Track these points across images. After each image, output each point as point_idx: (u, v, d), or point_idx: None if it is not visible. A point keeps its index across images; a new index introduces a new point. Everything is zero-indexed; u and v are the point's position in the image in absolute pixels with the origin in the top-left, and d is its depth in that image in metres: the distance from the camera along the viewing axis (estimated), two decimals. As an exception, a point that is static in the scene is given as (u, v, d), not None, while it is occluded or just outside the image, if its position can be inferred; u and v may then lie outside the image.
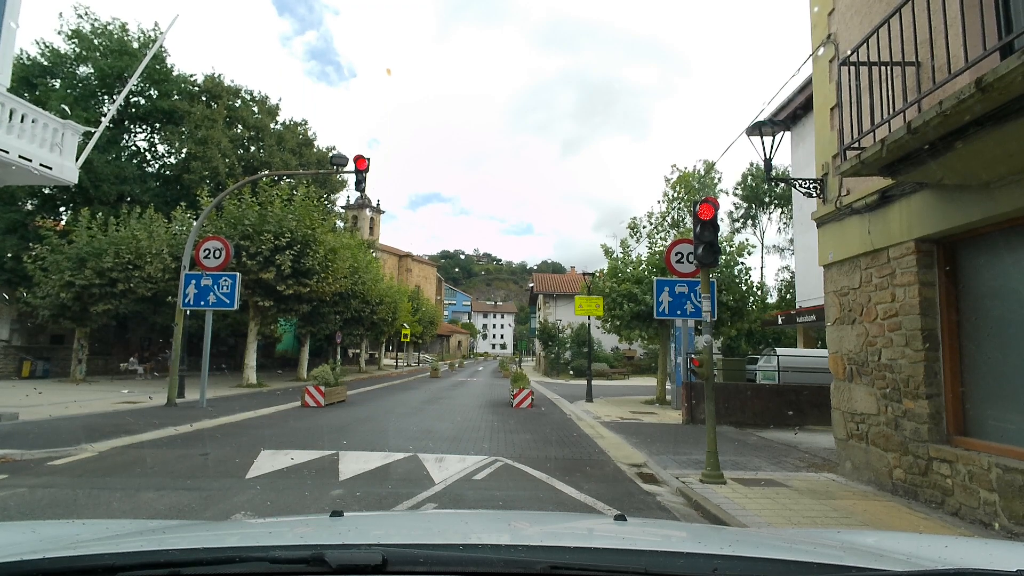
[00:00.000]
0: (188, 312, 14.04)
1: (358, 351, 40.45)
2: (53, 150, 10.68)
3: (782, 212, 44.05)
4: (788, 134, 15.63)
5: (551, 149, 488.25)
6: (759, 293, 18.38)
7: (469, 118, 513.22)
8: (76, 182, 11.69)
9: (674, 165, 18.84)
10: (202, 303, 13.55)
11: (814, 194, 7.57)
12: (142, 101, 27.29)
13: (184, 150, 27.51)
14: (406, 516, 3.43)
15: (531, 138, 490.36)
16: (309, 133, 33.06)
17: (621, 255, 18.88)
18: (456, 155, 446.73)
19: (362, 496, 5.76)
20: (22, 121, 10.11)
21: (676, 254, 9.49)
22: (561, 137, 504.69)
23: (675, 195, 18.19)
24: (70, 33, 25.23)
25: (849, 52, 5.69)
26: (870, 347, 6.52)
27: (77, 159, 11.50)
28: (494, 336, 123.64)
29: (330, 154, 20.25)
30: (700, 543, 1.53)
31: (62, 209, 25.13)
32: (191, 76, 28.72)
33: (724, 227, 43.54)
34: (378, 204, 66.78)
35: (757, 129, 7.43)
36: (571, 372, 34.47)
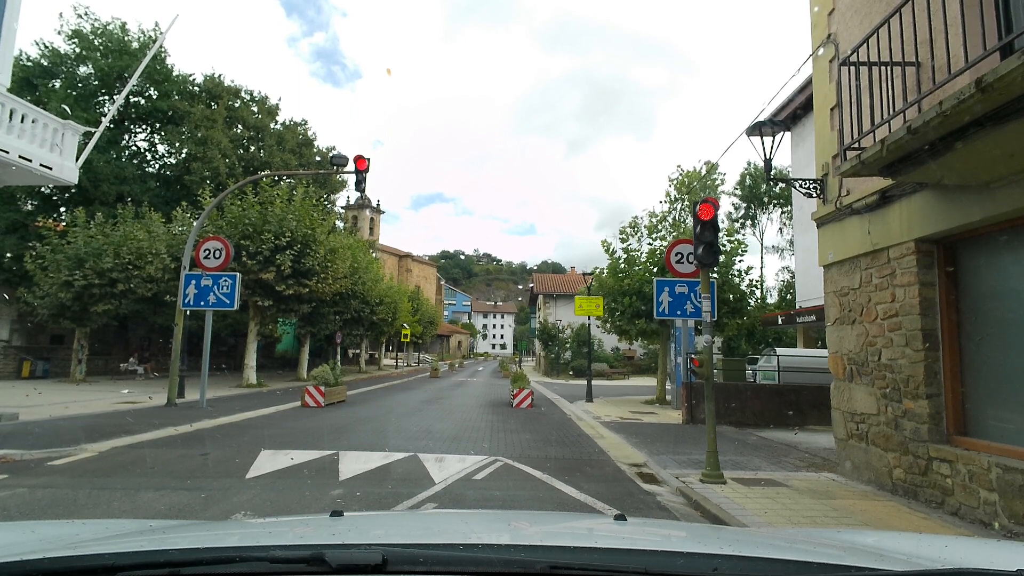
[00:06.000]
0: (188, 312, 14.04)
1: (358, 351, 40.43)
2: (53, 150, 10.69)
3: (782, 212, 44.05)
4: (788, 134, 15.62)
5: (555, 149, 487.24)
6: (757, 292, 18.40)
7: (473, 119, 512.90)
8: (76, 182, 11.70)
9: (679, 165, 18.93)
10: (202, 303, 13.55)
11: (814, 194, 7.57)
12: (142, 101, 27.30)
13: (184, 150, 27.52)
14: (406, 516, 3.43)
15: (535, 138, 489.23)
16: (309, 133, 33.08)
17: (622, 252, 18.81)
18: (459, 156, 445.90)
19: (362, 496, 5.76)
20: (22, 121, 10.12)
21: (676, 254, 9.48)
22: (565, 137, 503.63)
23: (677, 195, 18.20)
24: (70, 33, 25.23)
25: (849, 52, 5.69)
26: (870, 347, 6.52)
27: (77, 159, 11.51)
28: (494, 336, 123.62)
29: (330, 154, 20.25)
30: (700, 543, 1.53)
31: (62, 209, 25.14)
32: (191, 76, 28.76)
33: (724, 227, 43.45)
34: (378, 204, 66.80)
35: (757, 129, 7.42)
36: (571, 372, 34.47)
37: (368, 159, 13.36)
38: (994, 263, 5.35)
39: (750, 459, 8.16)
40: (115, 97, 23.38)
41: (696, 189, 17.92)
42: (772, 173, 7.81)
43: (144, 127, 28.61)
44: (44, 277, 19.49)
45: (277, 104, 31.71)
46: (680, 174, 20.01)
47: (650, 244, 18.14)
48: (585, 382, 19.05)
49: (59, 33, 25.59)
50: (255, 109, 30.85)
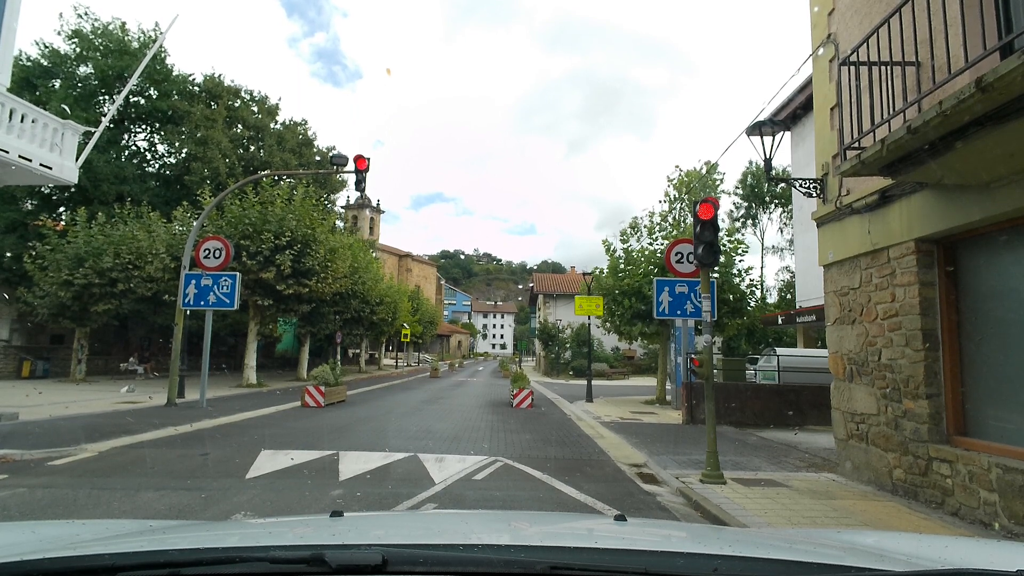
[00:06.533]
0: (188, 312, 14.04)
1: (358, 351, 40.43)
2: (53, 150, 10.69)
3: (782, 212, 44.04)
4: (788, 134, 15.64)
5: (555, 149, 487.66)
6: (758, 292, 18.39)
7: (473, 119, 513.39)
8: (76, 182, 11.70)
9: (677, 166, 18.90)
10: (202, 303, 13.55)
11: (814, 194, 7.57)
12: (142, 101, 27.29)
13: (184, 150, 27.51)
14: (406, 516, 3.43)
15: (535, 138, 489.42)
16: (309, 133, 33.05)
17: (622, 252, 18.79)
18: (459, 156, 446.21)
19: (362, 496, 5.76)
20: (22, 121, 10.11)
21: (676, 254, 9.49)
22: (565, 137, 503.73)
23: (676, 196, 18.19)
24: (70, 33, 25.22)
25: (849, 52, 5.69)
26: (870, 347, 6.52)
27: (77, 159, 11.51)
28: (494, 336, 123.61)
29: (330, 154, 20.24)
30: (700, 543, 1.53)
31: (62, 209, 25.15)
32: (190, 76, 28.75)
33: (724, 227, 43.40)
34: (378, 204, 66.79)
35: (757, 129, 7.42)
36: (571, 372, 34.48)
37: (368, 159, 13.36)
38: (994, 263, 5.35)
39: (750, 459, 8.16)
40: (115, 97, 23.38)
41: (696, 189, 17.90)
42: (772, 173, 7.82)
43: (144, 127, 28.60)
44: (43, 277, 19.50)
45: (277, 104, 31.70)
46: (679, 174, 20.00)
47: (650, 243, 18.13)
48: (585, 382, 19.05)
49: (59, 33, 25.60)
50: (255, 109, 30.82)
